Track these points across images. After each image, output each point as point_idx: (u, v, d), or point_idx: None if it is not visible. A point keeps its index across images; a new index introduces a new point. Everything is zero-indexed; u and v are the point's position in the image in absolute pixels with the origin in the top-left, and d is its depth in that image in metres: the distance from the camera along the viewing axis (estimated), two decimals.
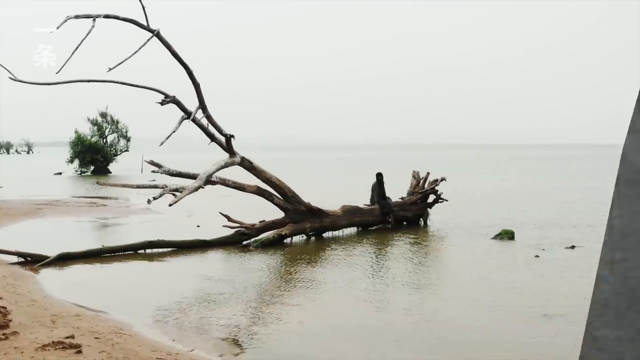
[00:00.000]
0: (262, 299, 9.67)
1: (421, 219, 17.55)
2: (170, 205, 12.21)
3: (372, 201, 16.92)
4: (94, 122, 50.09)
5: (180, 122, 12.74)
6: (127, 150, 50.84)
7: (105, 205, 23.89)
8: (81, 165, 48.72)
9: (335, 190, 27.24)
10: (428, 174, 17.52)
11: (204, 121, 12.78)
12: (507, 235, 14.75)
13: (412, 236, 15.45)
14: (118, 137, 50.47)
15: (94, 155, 48.03)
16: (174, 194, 12.31)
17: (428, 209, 17.63)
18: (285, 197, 14.92)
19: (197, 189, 12.62)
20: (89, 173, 48.68)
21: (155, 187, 13.06)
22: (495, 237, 14.83)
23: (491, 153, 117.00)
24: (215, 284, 10.57)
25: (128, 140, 50.55)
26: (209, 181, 14.16)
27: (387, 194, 17.27)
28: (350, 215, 15.95)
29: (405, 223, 17.35)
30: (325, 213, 15.41)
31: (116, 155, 50.35)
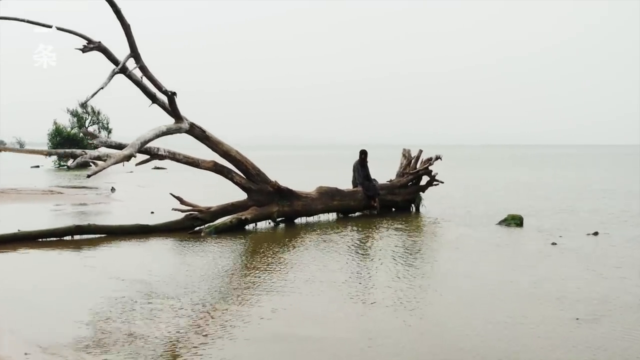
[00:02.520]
0: (209, 299, 6.95)
1: (412, 204, 15.03)
2: (88, 176, 9.71)
3: (355, 183, 14.40)
4: (74, 113, 47.60)
5: (112, 75, 10.24)
6: None
7: (62, 194, 21.36)
8: (59, 157, 46.13)
9: (321, 177, 24.65)
10: (420, 151, 15.00)
11: (138, 73, 10.23)
12: (515, 221, 12.24)
13: (402, 223, 12.91)
14: (99, 128, 47.88)
15: (72, 147, 45.47)
16: (94, 163, 9.80)
17: (420, 193, 15.11)
18: (248, 175, 12.40)
19: (126, 157, 10.12)
20: (67, 166, 46.16)
21: (73, 155, 10.53)
22: (500, 223, 12.33)
23: (492, 152, 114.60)
24: (151, 279, 7.91)
25: (109, 132, 47.98)
26: (155, 155, 11.73)
27: (373, 177, 14.78)
28: (328, 198, 13.41)
29: (394, 209, 14.85)
30: (297, 195, 12.87)
31: (97, 147, 47.73)
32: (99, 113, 48.31)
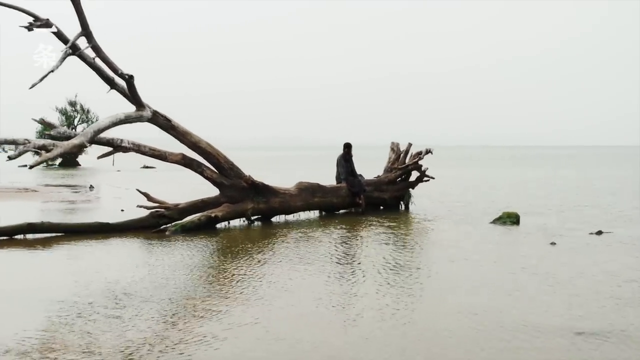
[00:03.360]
0: (163, 310, 5.89)
1: (402, 202, 14.02)
2: (30, 167, 8.73)
3: (338, 179, 13.39)
4: (63, 112, 46.64)
5: (63, 57, 9.26)
6: None
7: (36, 192, 20.34)
8: None
9: (317, 175, 23.62)
10: (410, 144, 13.99)
11: (90, 54, 9.23)
12: (510, 219, 11.24)
13: (390, 222, 11.89)
14: (88, 127, 46.93)
15: None
16: (37, 152, 8.82)
17: (410, 189, 14.09)
18: (220, 169, 11.41)
19: (76, 147, 9.20)
20: (56, 165, 45.29)
21: (14, 142, 9.53)
22: (494, 222, 11.32)
23: (494, 152, 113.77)
24: (104, 285, 6.83)
25: None
26: (118, 146, 10.82)
27: (360, 172, 13.81)
28: (308, 194, 12.40)
29: (382, 207, 13.84)
30: (274, 191, 11.86)
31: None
32: (88, 111, 47.43)
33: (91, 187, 21.45)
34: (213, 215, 10.84)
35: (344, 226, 11.43)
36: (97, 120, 47.20)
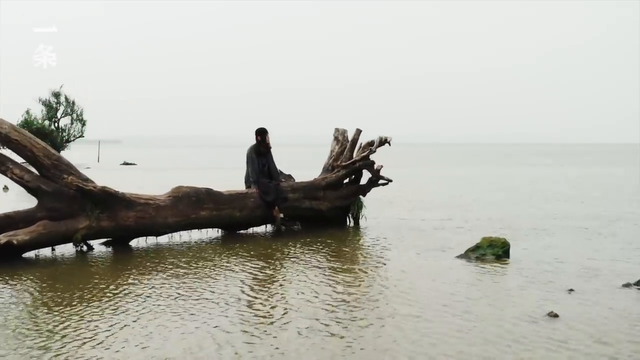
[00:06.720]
0: None
1: (350, 214, 9.75)
2: None
3: (247, 181, 9.17)
4: (46, 103, 43.38)
5: None
6: (82, 136, 43.81)
7: None
8: None
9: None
10: (359, 131, 9.62)
11: None
12: (493, 250, 6.88)
13: (322, 249, 7.68)
14: (72, 120, 43.64)
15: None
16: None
17: (361, 196, 9.79)
18: (39, 167, 7.37)
19: None
20: None
21: None
22: (468, 255, 6.96)
23: (504, 149, 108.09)
24: None
25: (83, 124, 43.62)
26: None
27: (288, 171, 9.67)
28: (189, 205, 8.17)
29: (328, 221, 9.55)
30: (127, 200, 7.68)
31: (69, 141, 43.38)
32: (73, 103, 44.09)
33: (5, 188, 17.69)
34: (3, 241, 6.71)
35: (247, 257, 7.22)
36: (81, 112, 43.88)
